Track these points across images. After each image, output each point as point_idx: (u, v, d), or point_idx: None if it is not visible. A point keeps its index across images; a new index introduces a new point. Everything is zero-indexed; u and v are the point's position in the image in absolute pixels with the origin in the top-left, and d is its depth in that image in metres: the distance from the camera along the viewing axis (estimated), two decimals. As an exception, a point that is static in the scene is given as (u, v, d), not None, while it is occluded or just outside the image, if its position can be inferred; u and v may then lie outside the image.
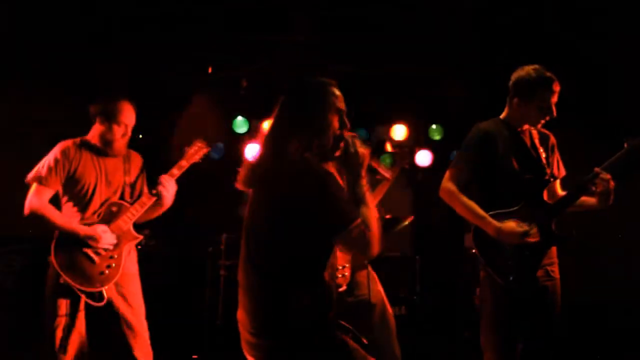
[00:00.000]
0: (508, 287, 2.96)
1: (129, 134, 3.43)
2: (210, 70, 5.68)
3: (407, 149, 5.34)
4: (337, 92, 2.30)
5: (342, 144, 2.27)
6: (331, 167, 2.29)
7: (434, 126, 6.17)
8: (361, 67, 5.59)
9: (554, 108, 3.03)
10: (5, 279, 4.97)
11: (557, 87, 3.02)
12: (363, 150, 2.27)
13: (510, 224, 2.91)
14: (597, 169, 2.96)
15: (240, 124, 6.01)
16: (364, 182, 2.25)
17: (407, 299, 5.75)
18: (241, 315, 2.27)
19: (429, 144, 6.17)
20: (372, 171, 2.51)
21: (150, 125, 3.85)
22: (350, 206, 2.17)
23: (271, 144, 2.29)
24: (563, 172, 3.24)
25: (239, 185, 2.34)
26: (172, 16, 5.00)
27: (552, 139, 3.25)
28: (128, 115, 3.38)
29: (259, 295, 2.19)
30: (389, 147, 5.99)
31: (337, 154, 2.28)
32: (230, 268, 5.55)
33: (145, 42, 5.21)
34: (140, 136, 3.63)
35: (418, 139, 6.25)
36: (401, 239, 6.32)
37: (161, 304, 3.76)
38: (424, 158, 6.10)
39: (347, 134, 2.29)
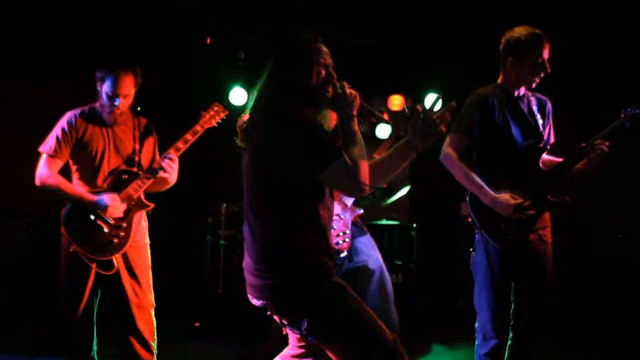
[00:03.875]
0: (502, 249, 3.02)
1: (122, 103, 3.31)
2: (208, 40, 5.65)
3: (403, 117, 5.36)
4: (324, 47, 2.36)
5: (330, 89, 2.32)
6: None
7: (430, 96, 6.18)
8: (357, 38, 5.57)
9: (547, 64, 3.06)
10: (7, 254, 5.01)
11: (547, 43, 3.05)
12: (351, 91, 2.32)
13: (505, 196, 2.95)
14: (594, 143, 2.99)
15: (238, 95, 6.02)
16: (355, 122, 2.29)
17: (404, 267, 5.84)
18: (246, 261, 2.34)
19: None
20: (367, 115, 2.54)
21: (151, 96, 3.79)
22: (333, 144, 2.20)
23: (260, 98, 2.36)
24: (552, 140, 3.26)
25: (241, 143, 2.42)
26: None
27: (549, 105, 3.25)
28: (118, 84, 3.26)
29: (260, 239, 2.27)
30: (386, 117, 6.01)
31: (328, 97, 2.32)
32: (230, 238, 5.62)
33: (144, 13, 5.18)
34: (139, 108, 3.58)
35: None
36: (398, 207, 6.39)
37: (162, 273, 3.80)
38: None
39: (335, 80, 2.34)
